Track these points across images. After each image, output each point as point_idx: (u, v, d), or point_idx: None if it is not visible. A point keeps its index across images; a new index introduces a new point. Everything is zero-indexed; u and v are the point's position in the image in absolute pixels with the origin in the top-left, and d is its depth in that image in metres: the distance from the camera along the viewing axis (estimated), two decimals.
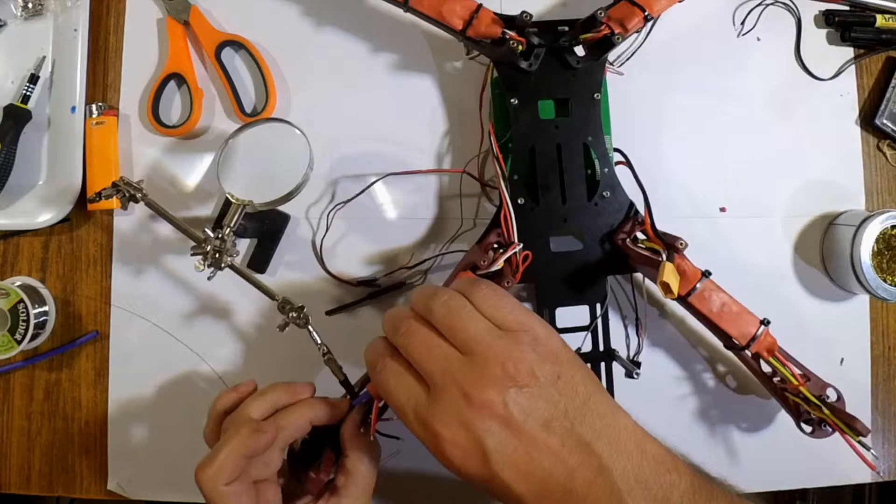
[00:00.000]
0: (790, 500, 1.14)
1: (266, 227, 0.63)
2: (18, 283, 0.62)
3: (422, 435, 0.42)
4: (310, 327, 0.54)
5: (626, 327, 0.63)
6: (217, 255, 0.54)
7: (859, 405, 0.64)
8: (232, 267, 0.55)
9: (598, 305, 0.58)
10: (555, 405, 0.42)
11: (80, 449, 0.64)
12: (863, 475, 0.64)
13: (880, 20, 0.66)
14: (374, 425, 0.49)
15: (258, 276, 0.58)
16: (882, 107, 0.65)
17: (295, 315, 0.54)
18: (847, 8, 0.66)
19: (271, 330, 0.63)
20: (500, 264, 0.53)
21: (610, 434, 0.42)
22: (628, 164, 0.58)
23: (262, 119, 0.61)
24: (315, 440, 0.55)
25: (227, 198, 0.57)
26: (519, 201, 0.56)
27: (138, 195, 0.56)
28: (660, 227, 0.55)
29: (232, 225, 0.56)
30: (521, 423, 0.41)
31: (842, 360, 0.65)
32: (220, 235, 0.55)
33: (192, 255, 0.55)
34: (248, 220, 0.57)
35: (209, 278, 0.55)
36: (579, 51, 0.58)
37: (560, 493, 0.40)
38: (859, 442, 0.53)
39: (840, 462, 0.63)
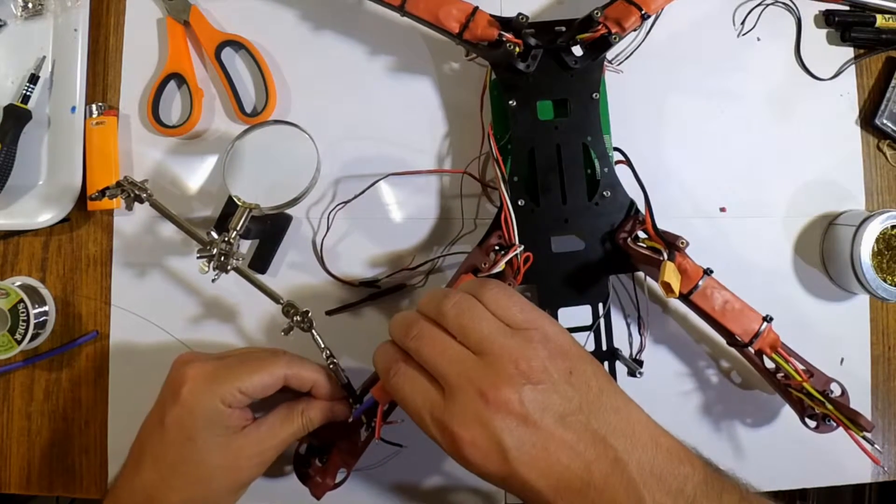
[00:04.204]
0: (790, 500, 1.14)
1: (268, 227, 0.63)
2: (18, 283, 0.62)
3: (439, 437, 0.43)
4: (314, 331, 0.54)
5: (628, 326, 0.63)
6: (223, 258, 0.54)
7: (860, 405, 0.63)
8: (237, 270, 0.55)
9: (601, 305, 0.58)
10: (569, 400, 0.42)
11: (80, 449, 0.64)
12: (863, 475, 0.64)
13: (880, 20, 0.66)
14: (379, 428, 0.49)
15: (261, 279, 0.57)
16: (882, 107, 0.65)
17: (299, 319, 0.54)
18: (847, 8, 0.66)
19: (273, 332, 0.63)
20: (501, 266, 0.53)
21: (624, 427, 0.43)
22: (628, 163, 0.58)
23: (269, 121, 0.61)
24: (322, 444, 0.56)
25: (232, 200, 0.57)
26: (519, 203, 0.56)
27: (143, 195, 0.56)
28: (660, 226, 0.55)
29: (238, 228, 0.56)
30: (537, 419, 0.41)
31: (842, 360, 0.65)
32: (226, 238, 0.55)
33: (199, 257, 0.55)
34: (251, 222, 0.57)
35: (213, 280, 0.55)
36: (577, 51, 0.58)
37: (578, 486, 0.41)
38: (863, 437, 0.53)
39: (841, 461, 0.63)
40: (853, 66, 0.67)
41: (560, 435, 0.41)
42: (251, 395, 0.50)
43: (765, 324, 0.53)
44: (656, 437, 0.43)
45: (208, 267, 0.55)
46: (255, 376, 0.50)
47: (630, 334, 0.63)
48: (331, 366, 0.54)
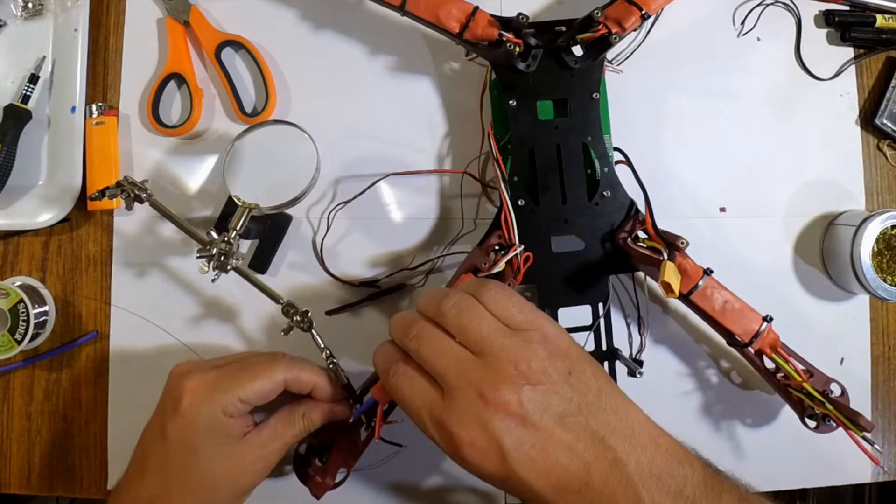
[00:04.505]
0: (790, 500, 1.14)
1: (268, 227, 0.63)
2: (18, 283, 0.62)
3: (438, 438, 0.43)
4: (314, 331, 0.54)
5: (628, 325, 0.63)
6: (223, 258, 0.54)
7: (860, 405, 0.63)
8: (237, 269, 0.55)
9: (601, 305, 0.58)
10: (568, 401, 0.42)
11: (80, 449, 0.64)
12: (863, 475, 0.64)
13: (880, 20, 0.66)
14: (379, 428, 0.49)
15: (261, 279, 0.57)
16: (882, 107, 0.65)
17: (299, 319, 0.54)
18: (847, 8, 0.66)
19: (273, 332, 0.63)
20: (501, 266, 0.53)
21: (624, 428, 0.43)
22: (628, 162, 0.58)
23: (269, 121, 0.61)
24: (322, 444, 0.56)
25: (232, 200, 0.57)
26: (519, 203, 0.56)
27: (143, 195, 0.56)
28: (660, 226, 0.55)
29: (238, 228, 0.56)
30: (536, 420, 0.41)
31: (842, 360, 0.65)
32: (226, 238, 0.55)
33: (198, 257, 0.55)
34: (251, 222, 0.58)
35: (213, 280, 0.55)
36: (577, 51, 0.58)
37: (577, 486, 0.41)
38: (863, 437, 0.53)
39: (841, 461, 0.63)
40: (853, 66, 0.67)
41: (559, 435, 0.41)
42: (252, 402, 0.50)
43: (765, 324, 0.53)
44: (655, 437, 0.43)
45: (208, 267, 0.55)
46: (255, 383, 0.50)
47: (630, 334, 0.63)
48: (330, 366, 0.54)
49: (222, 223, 0.61)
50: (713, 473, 0.44)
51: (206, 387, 0.50)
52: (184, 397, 0.50)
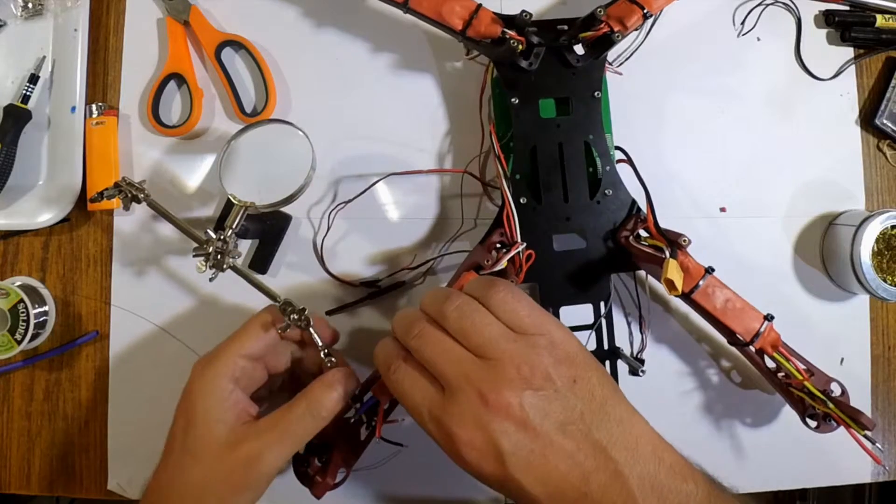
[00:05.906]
0: (790, 500, 1.15)
1: (267, 227, 0.62)
2: (18, 283, 0.62)
3: (437, 435, 0.43)
4: (311, 329, 0.54)
5: (629, 324, 0.63)
6: (219, 257, 0.54)
7: (860, 405, 0.63)
8: (234, 268, 0.55)
9: (602, 304, 0.58)
10: (571, 409, 0.42)
11: (80, 449, 0.63)
12: (863, 475, 0.64)
13: (880, 20, 0.66)
14: (380, 427, 0.49)
15: (260, 277, 0.57)
16: (882, 107, 0.65)
17: (297, 317, 0.54)
18: (847, 8, 0.66)
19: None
20: (503, 264, 0.53)
21: (627, 440, 0.42)
22: (629, 161, 0.58)
23: (265, 120, 0.60)
24: (322, 444, 0.55)
25: (229, 199, 0.57)
26: (521, 201, 0.56)
27: (140, 196, 0.56)
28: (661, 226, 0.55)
29: (234, 226, 0.56)
30: (537, 425, 0.41)
31: (842, 359, 0.65)
32: (221, 237, 0.55)
33: (195, 256, 0.55)
34: (249, 222, 0.57)
35: (211, 280, 0.55)
36: (579, 49, 0.58)
37: (575, 496, 0.40)
38: (864, 436, 0.53)
39: (841, 461, 0.63)
40: (853, 66, 0.67)
41: (559, 442, 0.41)
42: (252, 354, 0.50)
43: (766, 323, 0.53)
44: (659, 451, 0.42)
45: (205, 266, 0.54)
46: (246, 336, 0.51)
47: (631, 333, 0.63)
48: (328, 364, 0.53)
49: (221, 223, 0.61)
50: (717, 492, 0.43)
51: (206, 360, 0.50)
52: (191, 379, 0.50)
